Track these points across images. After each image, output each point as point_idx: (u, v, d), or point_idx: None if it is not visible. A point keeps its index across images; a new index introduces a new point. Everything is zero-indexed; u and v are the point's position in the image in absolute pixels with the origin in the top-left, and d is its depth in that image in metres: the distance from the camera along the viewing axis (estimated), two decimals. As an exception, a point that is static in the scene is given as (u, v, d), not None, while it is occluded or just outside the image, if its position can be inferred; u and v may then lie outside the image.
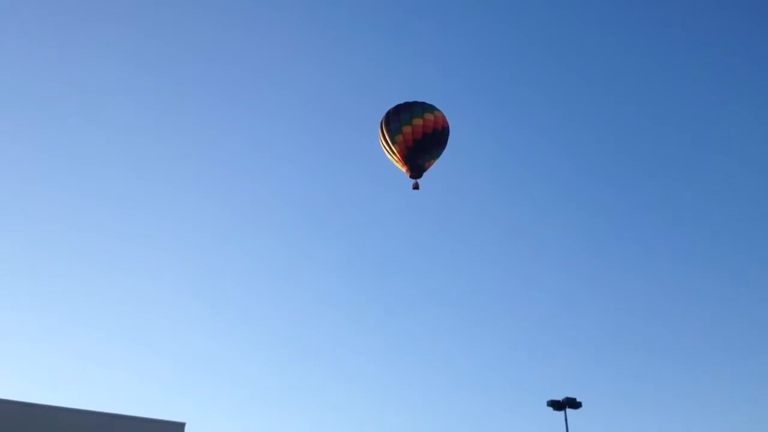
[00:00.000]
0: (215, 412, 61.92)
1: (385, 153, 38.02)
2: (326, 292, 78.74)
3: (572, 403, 33.35)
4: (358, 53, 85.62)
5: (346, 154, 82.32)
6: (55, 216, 74.69)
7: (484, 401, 68.57)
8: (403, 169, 37.61)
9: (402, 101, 38.10)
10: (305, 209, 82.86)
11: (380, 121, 37.97)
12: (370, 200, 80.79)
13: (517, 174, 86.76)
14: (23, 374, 58.02)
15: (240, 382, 68.38)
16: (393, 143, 37.08)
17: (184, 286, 76.46)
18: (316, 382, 69.77)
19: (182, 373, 67.10)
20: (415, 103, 37.51)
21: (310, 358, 71.71)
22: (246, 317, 74.90)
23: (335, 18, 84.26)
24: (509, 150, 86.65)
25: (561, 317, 76.80)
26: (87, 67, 77.37)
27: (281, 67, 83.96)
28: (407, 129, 36.74)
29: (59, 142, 77.44)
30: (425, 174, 37.99)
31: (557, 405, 33.50)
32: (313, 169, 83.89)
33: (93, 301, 70.77)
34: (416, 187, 37.50)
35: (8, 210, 71.09)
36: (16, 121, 73.98)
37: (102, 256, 73.53)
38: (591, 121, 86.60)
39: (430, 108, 37.44)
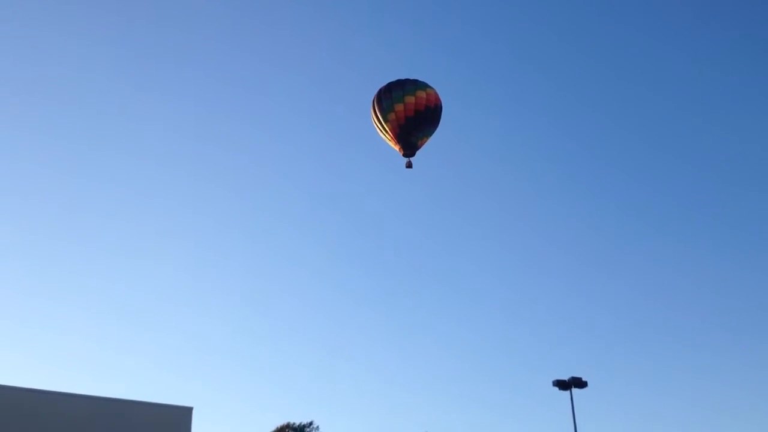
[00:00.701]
0: (222, 396, 62.14)
1: (377, 131, 37.51)
2: (330, 278, 78.87)
3: (578, 383, 33.19)
4: (359, 32, 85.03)
5: (345, 136, 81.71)
6: (64, 203, 75.00)
7: (490, 382, 69.09)
8: (396, 148, 37.10)
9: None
10: (312, 198, 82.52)
11: (372, 99, 37.43)
12: (369, 181, 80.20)
13: (519, 152, 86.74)
14: (30, 360, 58.56)
15: (247, 367, 68.53)
16: (385, 121, 36.54)
17: (190, 271, 76.47)
18: (321, 366, 70.10)
19: (189, 358, 67.37)
20: (407, 81, 36.91)
21: (316, 343, 71.91)
22: (252, 303, 74.88)
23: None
24: (512, 128, 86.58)
25: (566, 297, 77.06)
26: (88, 65, 77.43)
27: (282, 53, 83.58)
28: (399, 107, 36.18)
29: (67, 132, 77.81)
30: (419, 152, 37.57)
31: (563, 384, 33.39)
32: (319, 158, 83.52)
33: (101, 287, 71.10)
34: (409, 165, 36.96)
35: (19, 196, 71.25)
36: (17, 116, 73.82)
37: (112, 242, 74.08)
38: (594, 100, 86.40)
39: (422, 85, 36.85)
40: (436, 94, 37.19)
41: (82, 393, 28.29)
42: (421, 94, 36.47)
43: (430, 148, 38.51)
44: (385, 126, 36.67)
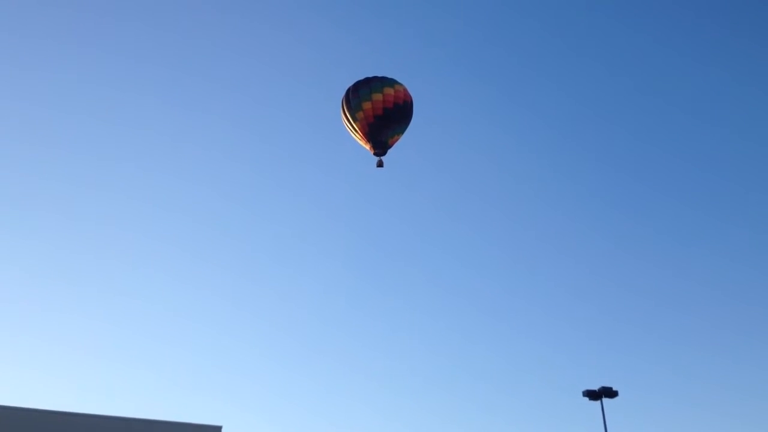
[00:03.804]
0: (251, 415, 61.59)
1: (348, 131, 36.95)
2: (353, 294, 78.02)
3: (608, 393, 32.64)
4: (341, 27, 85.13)
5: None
6: (75, 214, 75.53)
7: (520, 393, 67.84)
8: (367, 147, 36.49)
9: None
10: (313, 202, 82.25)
11: (341, 99, 36.91)
12: (357, 179, 79.82)
13: (514, 151, 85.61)
14: (60, 383, 58.59)
15: (275, 385, 67.86)
16: (354, 120, 35.97)
17: (212, 290, 76.20)
18: (348, 384, 69.50)
19: (218, 377, 66.86)
20: (374, 78, 36.34)
21: (343, 360, 71.24)
22: (274, 322, 74.35)
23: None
24: (498, 124, 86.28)
25: (596, 306, 75.85)
26: (89, 63, 77.90)
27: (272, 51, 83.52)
28: (367, 105, 35.61)
29: (66, 137, 77.99)
30: (392, 150, 36.92)
31: (593, 395, 32.86)
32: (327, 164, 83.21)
33: (129, 305, 71.04)
34: (380, 164, 36.36)
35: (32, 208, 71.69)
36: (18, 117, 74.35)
37: (137, 260, 74.23)
38: (582, 94, 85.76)
39: (390, 82, 36.24)
40: (405, 90, 36.57)
41: (110, 414, 28.36)
42: (389, 91, 35.86)
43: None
44: (354, 125, 36.10)
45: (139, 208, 78.47)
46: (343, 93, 36.60)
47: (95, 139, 79.08)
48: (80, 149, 78.46)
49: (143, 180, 79.72)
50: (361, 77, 36.52)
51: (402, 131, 36.71)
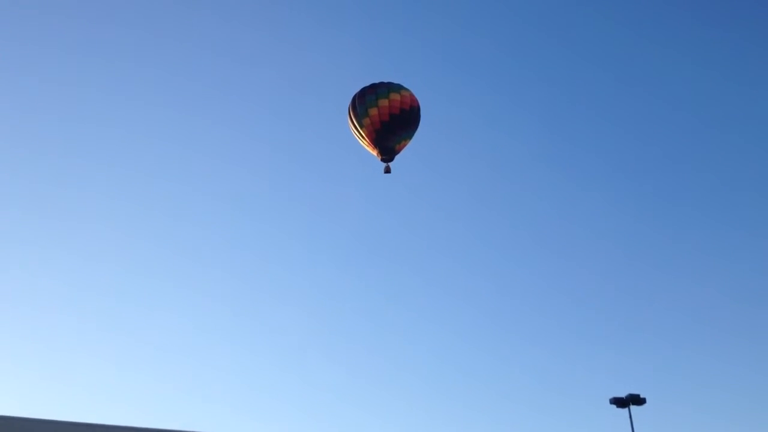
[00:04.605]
0: (252, 419, 61.30)
1: (355, 137, 36.76)
2: (359, 299, 77.43)
3: (636, 400, 32.18)
4: (342, 30, 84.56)
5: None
6: (93, 217, 75.80)
7: (546, 400, 66.74)
8: (374, 153, 36.26)
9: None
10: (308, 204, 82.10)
11: (348, 106, 36.77)
12: (357, 183, 79.35)
13: (513, 152, 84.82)
14: (92, 395, 58.54)
15: (277, 390, 67.34)
16: (361, 127, 35.84)
17: (214, 296, 75.87)
18: (358, 389, 68.62)
19: (220, 383, 66.37)
20: (381, 84, 36.22)
21: (349, 364, 70.43)
22: (278, 326, 74.08)
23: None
24: (500, 127, 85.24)
25: (622, 311, 74.56)
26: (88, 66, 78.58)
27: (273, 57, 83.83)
28: (373, 111, 35.46)
29: (61, 139, 78.05)
30: (401, 156, 36.69)
31: (620, 402, 32.47)
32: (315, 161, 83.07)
33: (125, 311, 70.93)
34: (388, 170, 36.20)
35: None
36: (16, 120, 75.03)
37: (136, 260, 74.31)
38: (583, 97, 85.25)
39: (396, 87, 36.09)
40: (411, 95, 36.36)
41: (115, 424, 27.94)
42: (395, 96, 35.69)
43: (415, 149, 37.70)
44: (361, 131, 35.94)
45: (145, 212, 78.49)
46: (350, 98, 36.48)
47: (100, 142, 79.08)
48: (84, 152, 78.37)
49: (148, 183, 80.00)
50: (368, 82, 36.46)
51: (409, 137, 36.47)
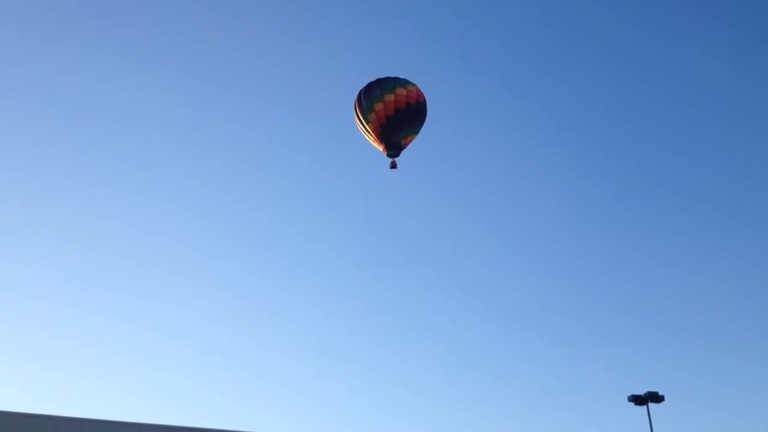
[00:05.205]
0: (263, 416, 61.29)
1: (361, 133, 36.55)
2: (369, 296, 77.30)
3: (654, 397, 31.91)
4: (349, 27, 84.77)
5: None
6: (118, 217, 76.28)
7: (563, 398, 66.28)
8: (380, 148, 36.02)
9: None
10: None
11: (354, 101, 36.56)
12: (369, 178, 79.30)
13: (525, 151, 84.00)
14: (127, 393, 59.11)
15: (290, 387, 67.44)
16: (367, 122, 35.65)
17: (223, 293, 76.35)
18: (372, 388, 68.60)
19: (229, 378, 66.78)
20: (386, 79, 36.01)
21: (361, 362, 70.45)
22: (289, 324, 74.17)
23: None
24: (509, 123, 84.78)
25: (640, 306, 73.97)
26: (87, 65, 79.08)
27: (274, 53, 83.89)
28: (379, 106, 35.25)
29: (63, 138, 78.78)
30: (405, 152, 36.37)
31: (639, 400, 32.20)
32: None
33: (136, 306, 71.41)
34: (393, 165, 35.92)
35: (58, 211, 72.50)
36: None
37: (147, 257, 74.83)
38: (594, 94, 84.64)
39: (402, 82, 35.85)
40: (418, 90, 36.10)
41: (121, 420, 28.03)
42: (401, 91, 35.44)
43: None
44: (367, 127, 35.74)
45: (154, 211, 79.08)
46: (355, 93, 36.29)
47: (112, 142, 79.72)
48: (94, 151, 78.84)
49: (153, 182, 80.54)
50: (374, 77, 36.24)
51: (416, 132, 36.18)
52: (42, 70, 76.98)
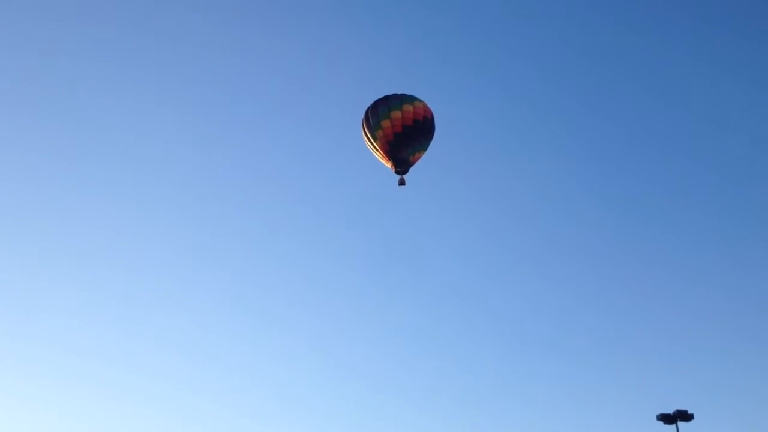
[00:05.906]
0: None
1: (369, 150, 36.52)
2: (375, 305, 76.79)
3: (684, 416, 31.50)
4: (352, 35, 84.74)
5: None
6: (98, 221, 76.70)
7: (593, 417, 64.97)
8: (388, 165, 35.93)
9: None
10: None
11: (362, 118, 36.57)
12: (371, 185, 78.98)
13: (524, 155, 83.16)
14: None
15: (290, 392, 66.92)
16: (374, 139, 35.64)
17: (223, 298, 75.82)
18: (366, 392, 67.70)
19: (227, 384, 66.23)
20: (393, 96, 36.03)
21: (359, 369, 69.78)
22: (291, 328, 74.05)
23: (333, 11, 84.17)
24: (512, 131, 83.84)
25: (669, 323, 72.33)
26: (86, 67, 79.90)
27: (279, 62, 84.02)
28: (386, 123, 35.25)
29: (60, 142, 79.58)
30: (414, 168, 36.26)
31: (668, 419, 31.75)
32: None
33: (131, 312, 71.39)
34: (402, 183, 35.85)
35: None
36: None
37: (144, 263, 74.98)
38: (595, 100, 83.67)
39: (409, 99, 35.82)
40: (425, 106, 36.04)
41: None
42: (408, 108, 35.41)
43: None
44: (374, 144, 35.71)
45: (153, 216, 79.35)
46: (363, 108, 36.41)
47: (106, 146, 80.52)
48: (88, 156, 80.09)
49: (155, 186, 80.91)
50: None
51: (424, 148, 36.09)
52: (36, 76, 77.46)
